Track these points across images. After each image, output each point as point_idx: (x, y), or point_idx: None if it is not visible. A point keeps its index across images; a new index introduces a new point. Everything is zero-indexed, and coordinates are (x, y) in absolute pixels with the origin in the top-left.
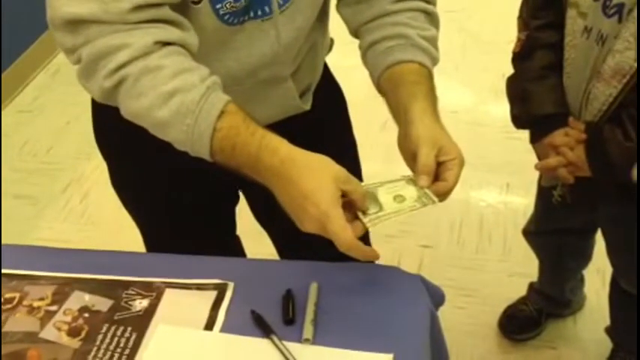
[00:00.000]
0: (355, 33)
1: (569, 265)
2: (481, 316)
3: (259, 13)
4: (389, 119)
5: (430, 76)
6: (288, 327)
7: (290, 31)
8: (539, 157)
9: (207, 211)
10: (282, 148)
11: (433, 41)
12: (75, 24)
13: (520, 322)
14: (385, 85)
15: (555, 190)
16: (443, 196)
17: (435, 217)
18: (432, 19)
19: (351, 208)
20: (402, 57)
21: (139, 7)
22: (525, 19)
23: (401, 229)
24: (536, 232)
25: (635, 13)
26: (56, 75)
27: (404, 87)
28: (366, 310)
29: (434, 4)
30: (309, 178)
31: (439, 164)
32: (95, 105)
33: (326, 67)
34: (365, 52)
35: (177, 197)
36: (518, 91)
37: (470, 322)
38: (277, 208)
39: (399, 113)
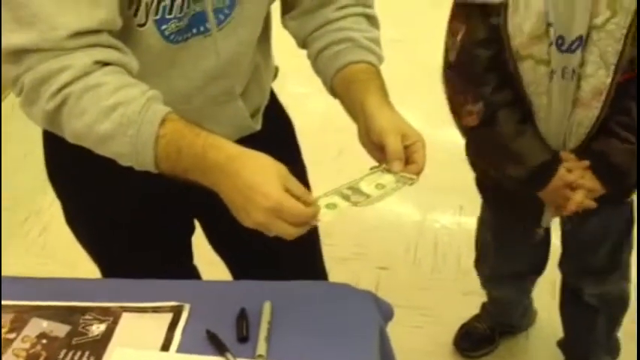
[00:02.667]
0: (303, 44)
1: (524, 302)
2: (437, 334)
3: (201, 29)
4: (344, 147)
5: (379, 73)
6: (243, 345)
7: (229, 47)
8: (550, 202)
9: (164, 241)
10: (227, 145)
11: (376, 41)
12: (17, 54)
13: (474, 339)
14: (338, 86)
15: (539, 229)
16: (417, 175)
17: (390, 239)
18: (373, 21)
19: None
20: (351, 58)
21: (76, 34)
22: (470, 91)
23: (356, 252)
24: (495, 277)
25: (593, 37)
26: (16, 108)
27: (357, 85)
28: (318, 326)
29: (372, 7)
30: (255, 171)
31: (405, 148)
32: (47, 143)
33: (273, 92)
34: (315, 59)
35: (132, 229)
36: (504, 155)
37: (426, 340)
38: (233, 235)
39: (356, 110)
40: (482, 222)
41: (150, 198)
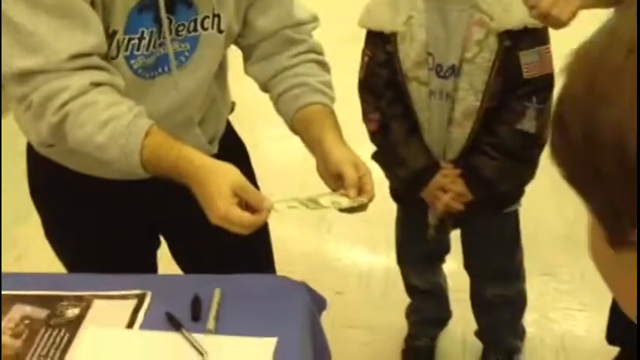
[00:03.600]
0: (264, 88)
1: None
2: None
3: (165, 69)
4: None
5: (332, 112)
6: (196, 323)
7: (188, 84)
8: (429, 202)
9: (131, 254)
10: (196, 157)
11: (328, 84)
12: (24, 75)
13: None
14: (297, 125)
15: (430, 229)
16: (369, 201)
17: (343, 268)
18: (324, 66)
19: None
20: (308, 100)
21: (73, 57)
22: (371, 102)
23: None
24: (410, 263)
25: (464, 68)
26: None
27: (314, 124)
28: (259, 308)
29: (322, 53)
30: (212, 183)
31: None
32: (30, 163)
33: (229, 122)
34: (276, 101)
35: (105, 241)
36: (394, 159)
37: (374, 355)
38: (193, 251)
39: (314, 146)
40: (397, 221)
41: (121, 215)
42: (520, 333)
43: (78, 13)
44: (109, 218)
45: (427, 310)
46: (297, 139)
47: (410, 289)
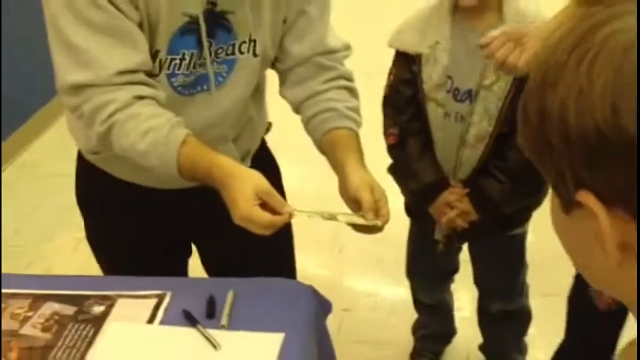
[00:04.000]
0: (296, 110)
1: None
2: None
3: (204, 87)
4: None
5: (357, 137)
6: (210, 320)
7: (224, 103)
8: (436, 217)
9: (164, 261)
10: (227, 164)
11: (356, 110)
12: (77, 88)
13: None
14: (325, 146)
15: (439, 244)
16: (383, 225)
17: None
18: (353, 92)
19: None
20: (335, 125)
21: (120, 73)
22: (392, 117)
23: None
24: (419, 278)
25: (481, 93)
26: (21, 170)
27: (339, 147)
28: (269, 307)
29: (352, 80)
30: (238, 185)
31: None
32: (79, 168)
33: (264, 140)
34: (307, 123)
35: (139, 248)
36: (407, 172)
37: None
38: (222, 258)
39: (338, 168)
40: (409, 235)
41: (158, 223)
42: (523, 349)
43: (126, 33)
44: (146, 225)
45: (433, 325)
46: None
47: (417, 303)
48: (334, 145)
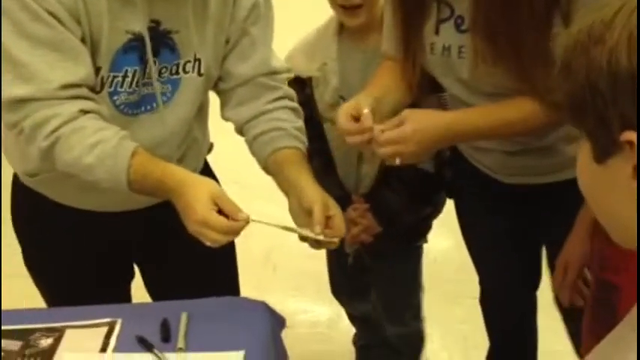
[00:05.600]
0: (240, 130)
1: None
2: None
3: (149, 107)
4: None
5: (304, 156)
6: (166, 344)
7: (170, 122)
8: None
9: (107, 285)
10: (179, 172)
11: (302, 131)
12: (17, 103)
13: None
14: (272, 166)
15: (349, 257)
16: (338, 238)
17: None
18: (297, 113)
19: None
20: (284, 144)
21: (64, 87)
22: None
23: None
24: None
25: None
26: None
27: (289, 166)
28: (224, 326)
29: (295, 101)
30: (192, 192)
31: (327, 217)
32: (14, 193)
33: (206, 161)
34: (251, 143)
35: (81, 273)
36: None
37: None
38: (165, 279)
39: (288, 185)
40: (326, 250)
41: (98, 247)
42: None
43: (69, 48)
44: (87, 250)
45: (366, 336)
46: None
47: (349, 316)
48: (283, 164)
